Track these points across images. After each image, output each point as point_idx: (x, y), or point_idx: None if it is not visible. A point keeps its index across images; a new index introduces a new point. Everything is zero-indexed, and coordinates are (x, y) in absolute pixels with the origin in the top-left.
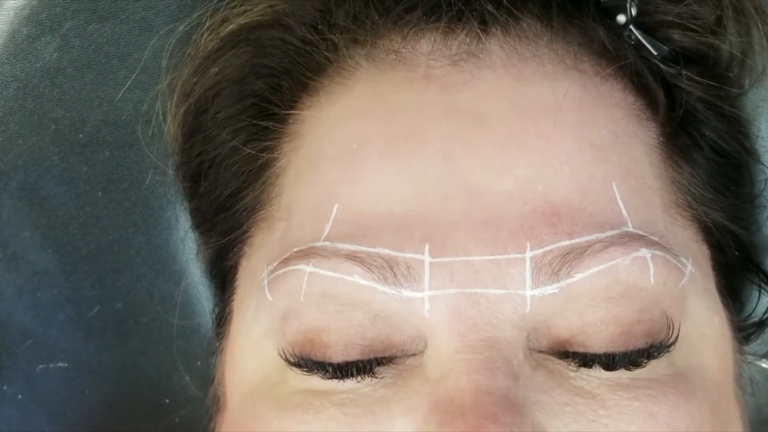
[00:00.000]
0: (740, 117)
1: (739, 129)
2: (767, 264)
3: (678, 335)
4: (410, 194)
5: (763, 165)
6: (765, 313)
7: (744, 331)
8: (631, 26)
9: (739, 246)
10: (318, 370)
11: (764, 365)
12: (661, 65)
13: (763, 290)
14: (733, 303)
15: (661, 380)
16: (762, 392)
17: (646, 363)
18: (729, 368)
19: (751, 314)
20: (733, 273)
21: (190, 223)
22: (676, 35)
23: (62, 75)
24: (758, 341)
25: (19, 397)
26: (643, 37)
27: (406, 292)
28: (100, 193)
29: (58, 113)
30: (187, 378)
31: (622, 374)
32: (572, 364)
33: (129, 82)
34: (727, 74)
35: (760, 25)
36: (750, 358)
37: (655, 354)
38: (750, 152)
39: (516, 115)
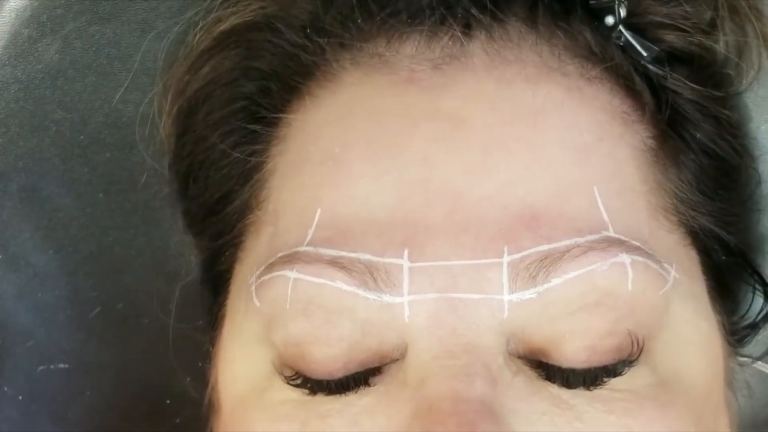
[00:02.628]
0: (732, 118)
1: (730, 131)
2: (762, 265)
3: (641, 352)
4: (391, 199)
5: (754, 168)
6: (759, 314)
7: (738, 333)
8: (621, 27)
9: (727, 251)
10: (305, 383)
11: (761, 368)
12: (650, 66)
13: (757, 291)
14: (727, 305)
15: (639, 391)
16: (758, 394)
17: (622, 371)
18: (719, 373)
19: (744, 315)
20: (724, 276)
21: (183, 223)
22: (667, 36)
23: (63, 76)
24: (753, 343)
25: (20, 398)
26: (633, 38)
27: (387, 297)
28: (101, 195)
29: (59, 115)
30: (188, 379)
31: (599, 386)
32: (546, 374)
33: (130, 83)
34: (720, 75)
35: (755, 24)
36: (745, 360)
37: (620, 372)
38: (741, 154)
39: (497, 118)
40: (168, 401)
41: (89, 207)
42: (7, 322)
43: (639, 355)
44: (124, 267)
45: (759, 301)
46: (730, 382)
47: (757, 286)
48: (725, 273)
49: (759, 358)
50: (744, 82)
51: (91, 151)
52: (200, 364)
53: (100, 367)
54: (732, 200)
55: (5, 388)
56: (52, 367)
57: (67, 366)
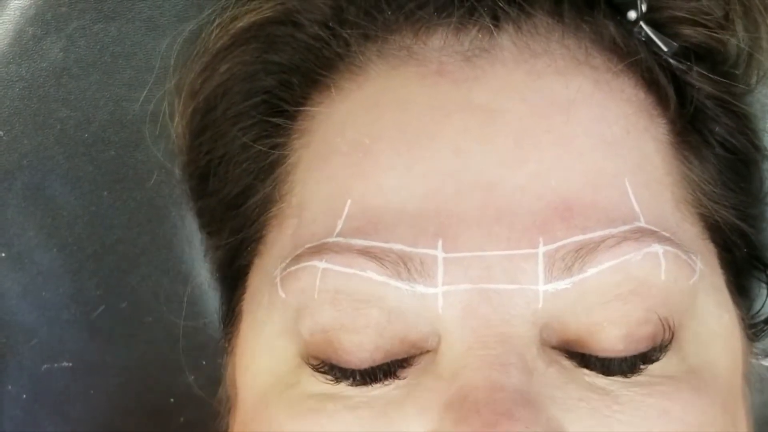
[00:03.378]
0: (749, 113)
1: (748, 125)
2: None
3: (673, 336)
4: (423, 189)
5: None
6: None
7: (753, 328)
8: (642, 22)
9: (748, 244)
10: (333, 372)
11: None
12: (672, 61)
13: None
14: (742, 300)
15: (675, 376)
16: None
17: (657, 357)
18: (739, 366)
19: (759, 311)
20: (741, 271)
21: (197, 223)
22: (686, 31)
23: (68, 75)
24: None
25: (24, 396)
26: (654, 33)
27: (420, 288)
28: (105, 193)
29: (64, 113)
30: (192, 378)
31: (634, 372)
32: (582, 363)
33: (134, 81)
34: (735, 71)
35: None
36: (758, 356)
37: (656, 357)
38: (759, 149)
39: (528, 110)
40: (172, 400)
41: (93, 205)
42: (10, 320)
43: (671, 340)
44: (128, 266)
45: None
46: (746, 377)
47: None
48: (742, 268)
49: None
50: (755, 78)
51: (96, 149)
52: (204, 363)
53: (104, 365)
54: (752, 194)
55: (9, 387)
56: (55, 365)
57: (70, 365)
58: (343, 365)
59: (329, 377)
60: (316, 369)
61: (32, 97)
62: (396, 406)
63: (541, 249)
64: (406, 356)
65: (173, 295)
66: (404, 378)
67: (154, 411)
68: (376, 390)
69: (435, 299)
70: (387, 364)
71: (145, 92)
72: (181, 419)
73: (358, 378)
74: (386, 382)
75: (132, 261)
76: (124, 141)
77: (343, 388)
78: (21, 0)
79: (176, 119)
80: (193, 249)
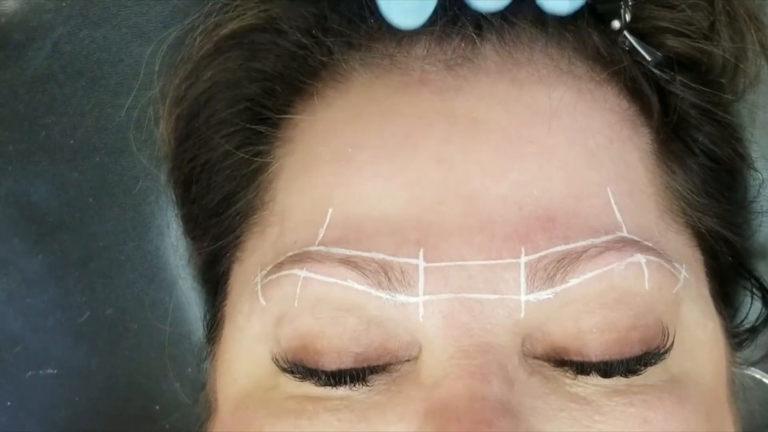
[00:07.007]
0: (733, 122)
1: (732, 134)
2: (760, 270)
3: (673, 342)
4: (405, 198)
5: (756, 171)
6: (757, 319)
7: (737, 337)
8: (625, 32)
9: (733, 252)
10: (311, 377)
11: (756, 374)
12: (655, 71)
13: (755, 296)
14: (727, 309)
15: (657, 385)
16: (754, 398)
17: (642, 371)
18: (722, 373)
19: (743, 320)
20: (726, 279)
21: (181, 229)
22: (670, 41)
23: (53, 81)
24: (751, 348)
25: (8, 403)
26: (637, 43)
27: (401, 297)
28: (90, 199)
29: (49, 119)
30: (177, 384)
31: (618, 381)
32: (569, 371)
33: (120, 88)
34: (721, 80)
35: (753, 31)
36: (742, 366)
37: (652, 361)
38: (743, 158)
39: (511, 120)
40: (157, 407)
41: (78, 212)
42: None
43: (671, 346)
44: (113, 272)
45: (757, 306)
46: (731, 384)
47: (755, 291)
48: (727, 276)
49: (756, 363)
50: (742, 86)
51: (81, 155)
52: (189, 370)
53: (89, 372)
54: (735, 203)
55: None
56: (40, 372)
57: (55, 371)
58: (312, 366)
59: (297, 376)
60: (284, 370)
61: (17, 103)
62: (377, 411)
63: (523, 259)
64: (382, 363)
65: (158, 302)
66: (373, 385)
67: (140, 417)
68: (358, 394)
69: (416, 308)
70: (359, 369)
71: (131, 99)
72: (167, 426)
73: (323, 379)
74: (352, 387)
75: (117, 268)
76: (109, 147)
77: (323, 390)
78: (6, 6)
79: (161, 126)
80: (179, 256)
